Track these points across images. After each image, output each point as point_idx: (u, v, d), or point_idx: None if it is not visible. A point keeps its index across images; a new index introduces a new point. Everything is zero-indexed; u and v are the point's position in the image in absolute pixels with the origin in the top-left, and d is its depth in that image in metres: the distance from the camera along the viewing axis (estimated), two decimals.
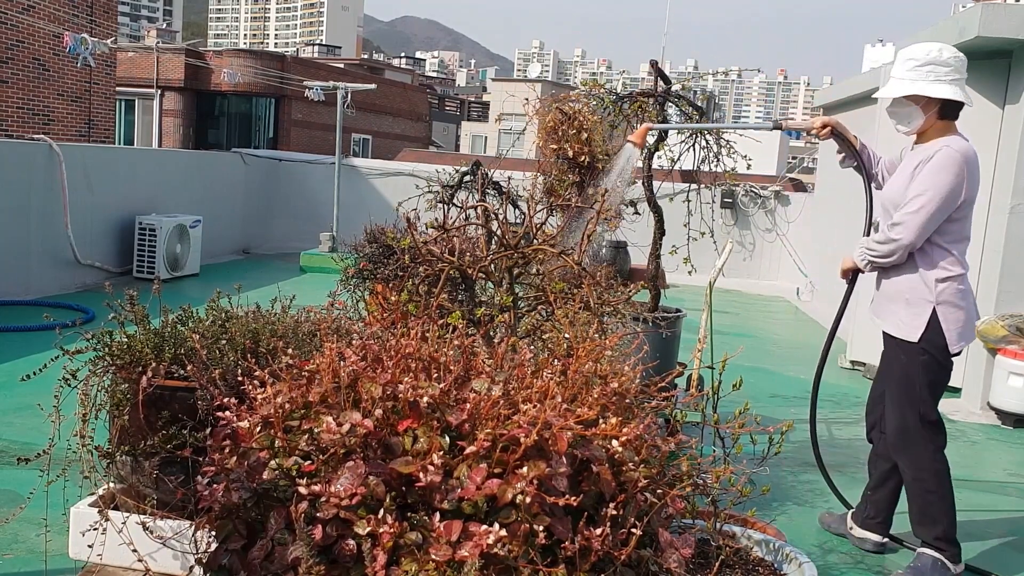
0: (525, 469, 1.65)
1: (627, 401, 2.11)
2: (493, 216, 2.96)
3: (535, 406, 1.77)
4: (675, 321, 4.64)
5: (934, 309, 3.09)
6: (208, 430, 2.17)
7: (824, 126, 3.41)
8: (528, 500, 1.61)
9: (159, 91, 25.14)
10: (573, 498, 1.64)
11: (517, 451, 1.67)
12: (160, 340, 2.61)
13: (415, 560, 1.59)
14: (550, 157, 4.28)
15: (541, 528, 1.60)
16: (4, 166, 7.30)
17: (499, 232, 2.81)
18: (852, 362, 6.96)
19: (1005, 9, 5.79)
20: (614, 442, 1.78)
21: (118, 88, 17.09)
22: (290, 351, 2.12)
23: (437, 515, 1.63)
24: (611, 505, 1.68)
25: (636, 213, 4.89)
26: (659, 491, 1.89)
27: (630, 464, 1.80)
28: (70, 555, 2.63)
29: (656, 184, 4.73)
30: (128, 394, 2.54)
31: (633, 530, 1.69)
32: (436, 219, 3.01)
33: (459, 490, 1.65)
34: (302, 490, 1.65)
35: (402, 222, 3.24)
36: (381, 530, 1.59)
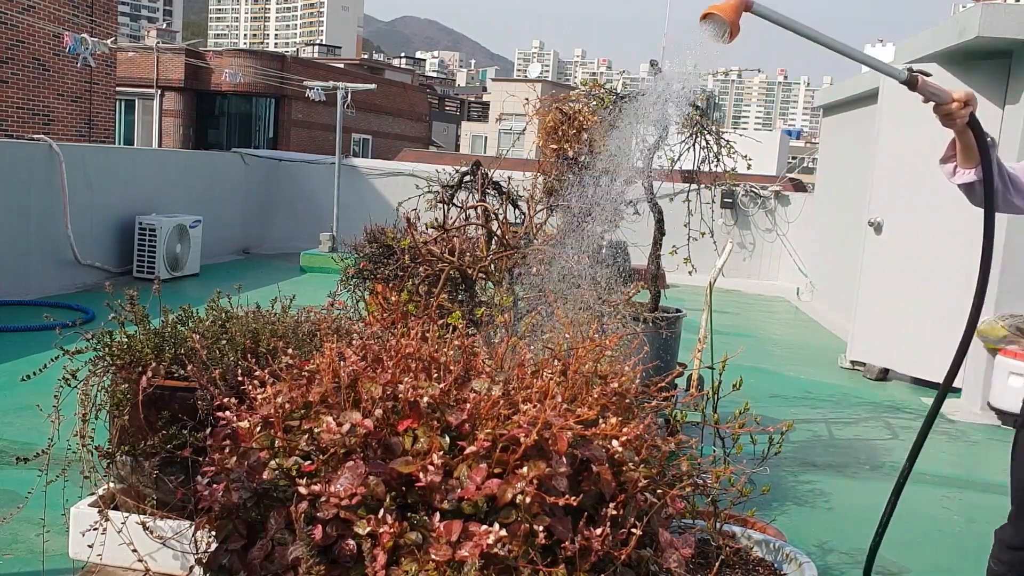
0: (525, 469, 1.65)
1: (627, 401, 2.11)
2: (493, 216, 2.96)
3: (535, 406, 1.77)
4: (675, 321, 4.64)
5: None
6: (208, 430, 2.17)
7: (966, 103, 2.16)
8: (528, 500, 1.61)
9: (159, 91, 25.16)
10: (573, 498, 1.64)
11: (517, 451, 1.67)
12: (160, 340, 2.61)
13: (415, 560, 1.59)
14: (550, 157, 4.29)
15: (541, 528, 1.60)
16: (4, 166, 7.30)
17: (499, 232, 2.81)
18: (852, 362, 6.96)
19: (1005, 9, 5.79)
20: (614, 442, 1.78)
21: (118, 88, 17.10)
22: (290, 351, 2.12)
23: (437, 515, 1.63)
24: (611, 505, 1.68)
25: (636, 213, 4.89)
26: (659, 491, 1.89)
27: (630, 464, 1.80)
28: (70, 555, 2.63)
29: (656, 184, 4.73)
30: (128, 394, 2.53)
31: (633, 530, 1.69)
32: (436, 219, 3.01)
33: (459, 490, 1.65)
34: (302, 490, 1.65)
35: (402, 222, 3.24)
36: (381, 530, 1.59)
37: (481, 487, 1.63)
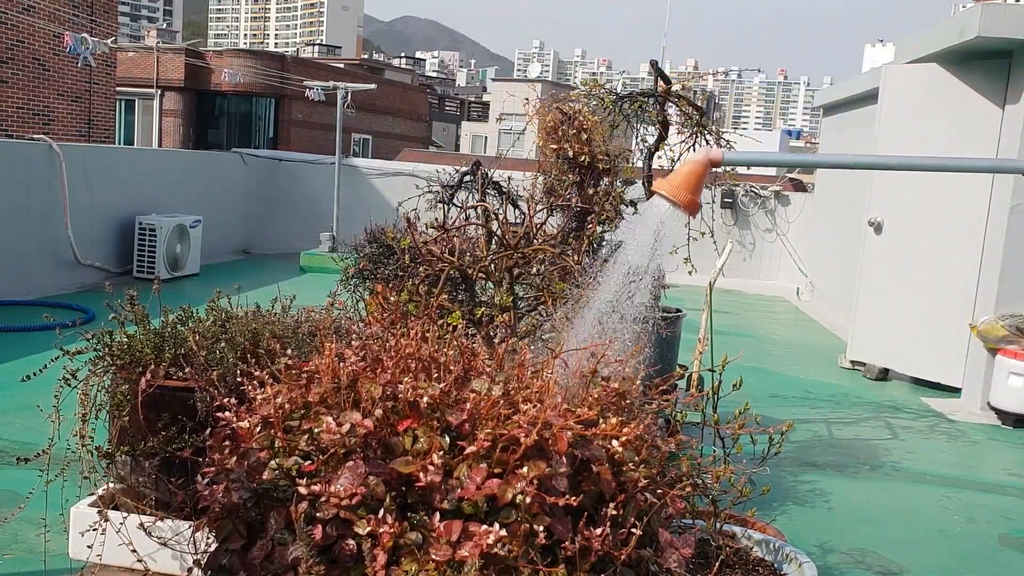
0: (525, 469, 1.65)
1: (627, 401, 2.11)
2: (493, 216, 2.96)
3: (535, 406, 1.77)
4: (675, 321, 4.64)
5: None
6: (208, 431, 2.17)
7: None
8: (528, 500, 1.61)
9: (159, 91, 25.14)
10: (573, 498, 1.64)
11: (517, 451, 1.67)
12: (160, 340, 2.61)
13: (415, 560, 1.59)
14: (550, 157, 4.28)
15: (541, 528, 1.60)
16: (4, 166, 7.30)
17: (499, 232, 2.81)
18: (852, 362, 6.96)
19: (1005, 9, 5.79)
20: (614, 442, 1.78)
21: (118, 88, 17.09)
22: (289, 351, 2.12)
23: (437, 515, 1.63)
24: (611, 505, 1.68)
25: (636, 213, 4.88)
26: (659, 491, 1.89)
27: (630, 464, 1.80)
28: (70, 555, 2.63)
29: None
30: (128, 394, 2.53)
31: (633, 530, 1.69)
32: (436, 219, 3.01)
33: (459, 490, 1.65)
34: (302, 490, 1.65)
35: (402, 222, 3.24)
36: (381, 530, 1.59)
37: (481, 487, 1.63)
